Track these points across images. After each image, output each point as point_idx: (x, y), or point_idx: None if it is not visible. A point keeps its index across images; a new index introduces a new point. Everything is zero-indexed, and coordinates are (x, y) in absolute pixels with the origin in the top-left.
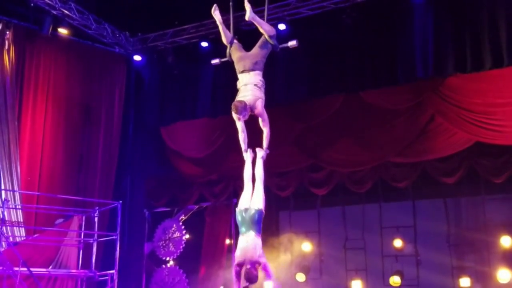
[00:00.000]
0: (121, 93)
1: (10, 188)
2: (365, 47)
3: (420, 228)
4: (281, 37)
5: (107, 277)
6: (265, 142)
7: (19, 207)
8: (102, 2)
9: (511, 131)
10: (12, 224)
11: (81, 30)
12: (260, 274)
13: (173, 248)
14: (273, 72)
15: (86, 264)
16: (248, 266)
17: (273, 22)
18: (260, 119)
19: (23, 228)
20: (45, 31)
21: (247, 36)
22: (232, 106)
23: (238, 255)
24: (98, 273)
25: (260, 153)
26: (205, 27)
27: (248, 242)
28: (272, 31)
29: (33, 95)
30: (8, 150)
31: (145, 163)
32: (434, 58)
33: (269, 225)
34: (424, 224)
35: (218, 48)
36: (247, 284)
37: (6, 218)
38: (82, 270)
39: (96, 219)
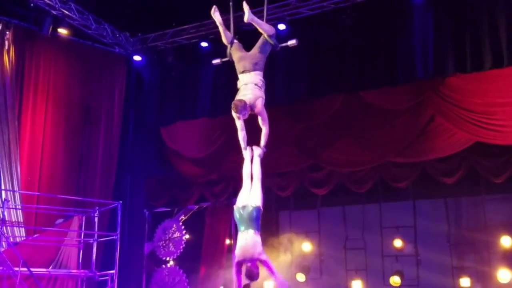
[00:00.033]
0: (121, 93)
1: (10, 188)
2: (365, 47)
3: (420, 228)
4: (281, 37)
5: (107, 277)
6: (263, 140)
7: (19, 207)
8: (102, 2)
9: (511, 131)
10: (12, 224)
11: (81, 30)
12: (263, 272)
13: (173, 248)
14: (273, 72)
15: (86, 264)
16: (249, 264)
17: (273, 22)
18: (259, 118)
19: (23, 228)
20: (45, 31)
21: (247, 36)
22: (232, 105)
23: (238, 253)
24: (98, 273)
25: (257, 151)
26: (205, 27)
27: (247, 240)
28: (271, 30)
29: (33, 95)
30: (8, 150)
31: (145, 163)
32: (434, 58)
33: (269, 225)
34: (424, 224)
35: (218, 48)
36: (248, 282)
37: (6, 218)
38: (82, 270)
39: (96, 219)
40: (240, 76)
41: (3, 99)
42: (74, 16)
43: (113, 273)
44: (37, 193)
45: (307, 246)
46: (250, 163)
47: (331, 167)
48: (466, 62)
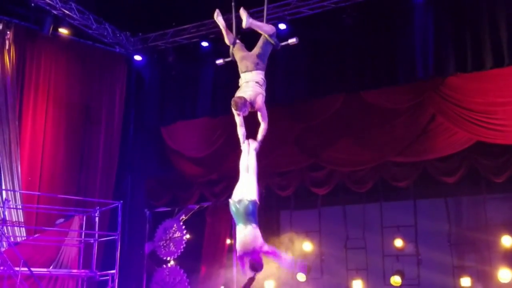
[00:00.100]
0: (122, 93)
1: (11, 188)
2: (366, 47)
3: (420, 228)
4: (282, 36)
5: (108, 277)
6: (260, 135)
7: (20, 207)
8: (103, 2)
9: (511, 130)
10: (13, 224)
11: (82, 30)
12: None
13: (173, 248)
14: (274, 72)
15: (87, 264)
16: (250, 257)
17: (273, 22)
18: (259, 114)
19: (23, 228)
20: (46, 31)
21: (249, 36)
22: (232, 102)
23: (239, 248)
24: (99, 273)
25: (253, 144)
26: (206, 27)
27: (246, 235)
28: (271, 30)
29: (34, 95)
30: (9, 150)
31: (146, 163)
32: (435, 57)
33: (270, 224)
34: (425, 223)
35: (219, 48)
36: (253, 274)
37: (7, 218)
38: (83, 270)
39: (96, 219)
40: (242, 75)
41: (4, 99)
42: (74, 15)
43: (114, 273)
44: (37, 193)
45: (307, 246)
46: (247, 156)
47: (332, 166)
48: (466, 61)
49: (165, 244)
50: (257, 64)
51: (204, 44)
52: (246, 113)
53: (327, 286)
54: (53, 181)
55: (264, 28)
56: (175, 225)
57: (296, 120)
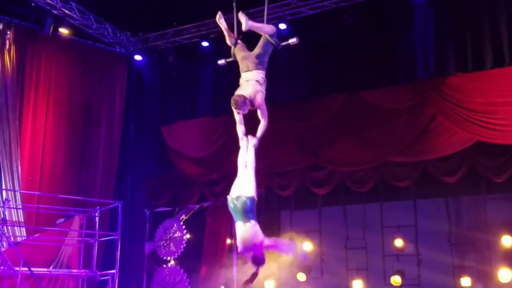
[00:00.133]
0: (122, 93)
1: (11, 188)
2: (366, 47)
3: (421, 228)
4: (282, 36)
5: (108, 277)
6: (259, 132)
7: (20, 206)
8: (103, 1)
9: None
10: (13, 224)
11: (82, 30)
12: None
13: (174, 248)
14: (274, 72)
15: (87, 264)
16: (251, 253)
17: (274, 22)
18: (258, 111)
19: (24, 228)
20: (46, 31)
21: (251, 35)
22: (232, 101)
23: (240, 245)
24: (99, 273)
25: (252, 141)
26: (206, 27)
27: (245, 231)
28: (272, 30)
29: (34, 95)
30: (9, 150)
31: (146, 163)
32: (435, 57)
33: (270, 224)
34: (425, 223)
35: (219, 48)
36: (256, 268)
37: (7, 218)
38: (83, 270)
39: (97, 219)
40: (242, 74)
41: (4, 99)
42: (75, 15)
43: (114, 272)
44: (38, 192)
45: (308, 246)
46: (245, 152)
47: (332, 166)
48: (467, 61)
49: (165, 244)
50: (258, 63)
51: (205, 44)
52: (246, 111)
53: (327, 286)
54: (53, 181)
55: (264, 29)
56: (175, 225)
57: (296, 120)
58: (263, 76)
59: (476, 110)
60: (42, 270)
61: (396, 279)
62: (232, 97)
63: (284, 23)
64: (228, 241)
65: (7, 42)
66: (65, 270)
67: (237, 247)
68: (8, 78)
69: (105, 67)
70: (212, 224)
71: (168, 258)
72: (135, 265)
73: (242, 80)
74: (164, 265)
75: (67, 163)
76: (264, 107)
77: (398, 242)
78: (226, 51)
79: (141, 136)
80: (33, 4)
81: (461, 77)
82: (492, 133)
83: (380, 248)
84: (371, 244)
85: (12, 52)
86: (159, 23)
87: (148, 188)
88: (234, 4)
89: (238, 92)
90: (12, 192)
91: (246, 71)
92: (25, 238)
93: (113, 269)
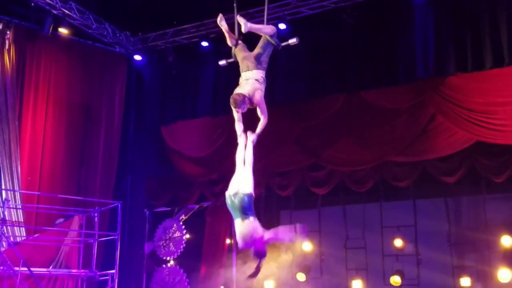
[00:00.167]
0: (122, 93)
1: (11, 188)
2: (366, 47)
3: (420, 228)
4: (282, 36)
5: (107, 277)
6: (259, 129)
7: (20, 206)
8: (103, 1)
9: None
10: (12, 224)
11: (82, 30)
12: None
13: (173, 248)
14: (274, 72)
15: (86, 264)
16: (253, 247)
17: (274, 22)
18: (258, 109)
19: (23, 228)
20: (46, 30)
21: (251, 36)
22: (231, 100)
23: (240, 241)
24: (98, 273)
25: (251, 137)
26: (206, 27)
27: (244, 227)
28: (272, 31)
29: (34, 95)
30: (9, 150)
31: (146, 163)
32: (435, 57)
33: (270, 224)
34: (425, 223)
35: (219, 48)
36: (258, 262)
37: (7, 218)
38: (82, 270)
39: (96, 219)
40: (242, 73)
41: (4, 99)
42: (74, 15)
43: (114, 272)
44: (37, 192)
45: (307, 246)
46: (244, 148)
47: (332, 166)
48: (466, 61)
49: (165, 244)
50: (258, 63)
51: (204, 44)
52: (245, 109)
53: (327, 286)
54: (53, 181)
55: (264, 30)
56: (175, 225)
57: (296, 120)
58: (263, 76)
59: (476, 110)
60: (42, 270)
61: (395, 279)
62: (231, 96)
63: (283, 23)
64: (228, 241)
65: (7, 42)
66: (65, 270)
67: (237, 247)
68: (7, 78)
69: (104, 67)
70: (212, 224)
71: (168, 258)
72: (134, 265)
73: (241, 79)
74: (164, 265)
75: (67, 163)
76: (263, 105)
77: (398, 242)
78: (226, 51)
79: (141, 136)
80: (32, 4)
81: (461, 77)
82: (492, 133)
83: (379, 248)
84: (371, 244)
85: (12, 52)
86: (159, 23)
87: (148, 188)
88: (234, 4)
89: (237, 90)
90: (12, 192)
91: (246, 71)
92: (25, 238)
93: (113, 269)
